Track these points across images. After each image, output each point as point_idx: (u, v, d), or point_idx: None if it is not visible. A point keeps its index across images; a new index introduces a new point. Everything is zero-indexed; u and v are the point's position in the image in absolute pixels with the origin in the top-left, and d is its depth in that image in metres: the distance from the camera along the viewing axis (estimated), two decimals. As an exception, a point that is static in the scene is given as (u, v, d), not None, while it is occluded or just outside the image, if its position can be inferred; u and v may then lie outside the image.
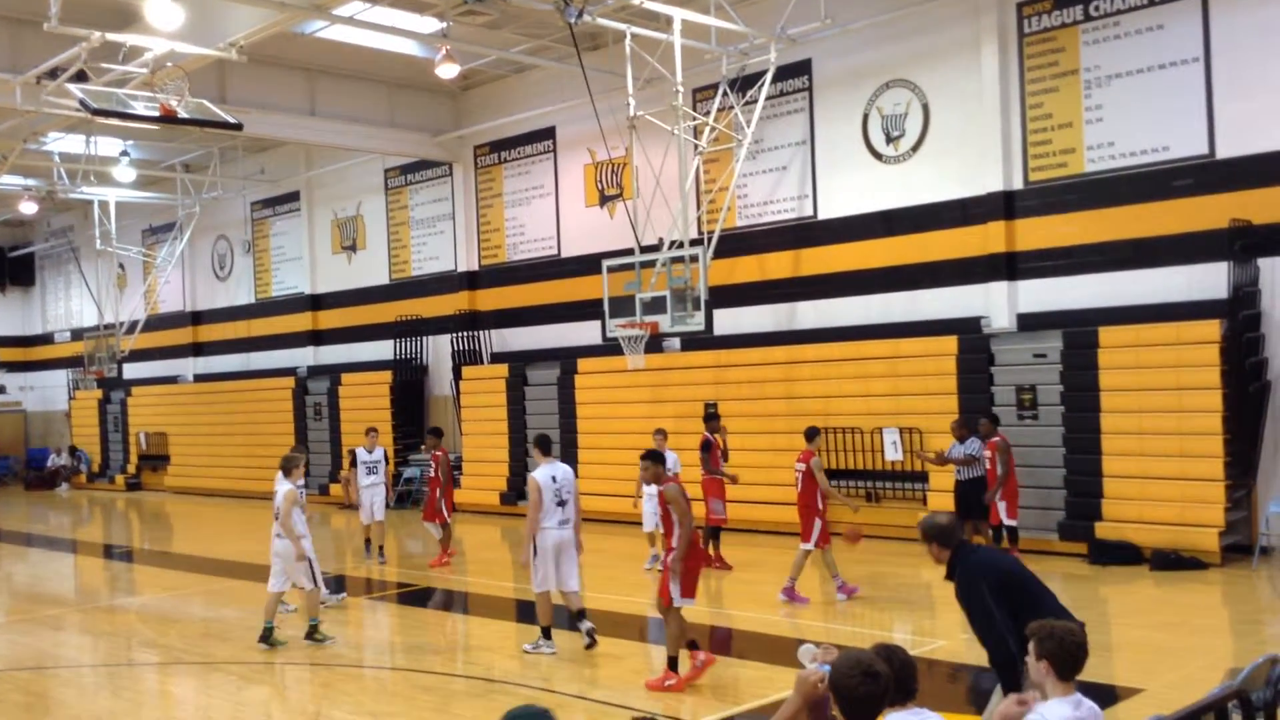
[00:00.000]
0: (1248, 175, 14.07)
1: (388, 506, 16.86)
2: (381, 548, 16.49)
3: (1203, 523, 13.58)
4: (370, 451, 16.57)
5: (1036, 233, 15.99)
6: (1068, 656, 4.61)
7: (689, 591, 9.25)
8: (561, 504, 10.43)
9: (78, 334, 34.70)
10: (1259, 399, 13.89)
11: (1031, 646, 4.70)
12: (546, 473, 10.51)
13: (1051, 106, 15.78)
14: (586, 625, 10.62)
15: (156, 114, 15.18)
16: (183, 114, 15.36)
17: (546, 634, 10.56)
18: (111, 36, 15.39)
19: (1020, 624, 5.26)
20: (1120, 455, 14.53)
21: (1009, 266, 16.18)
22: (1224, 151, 14.31)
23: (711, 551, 14.61)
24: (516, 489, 21.52)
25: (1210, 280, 14.16)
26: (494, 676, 9.90)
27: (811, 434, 13.02)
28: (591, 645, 10.49)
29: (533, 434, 21.44)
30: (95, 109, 14.89)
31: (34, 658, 11.62)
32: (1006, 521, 13.65)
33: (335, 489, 23.87)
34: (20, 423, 38.78)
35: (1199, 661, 9.11)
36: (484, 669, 10.31)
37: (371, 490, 16.32)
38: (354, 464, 16.70)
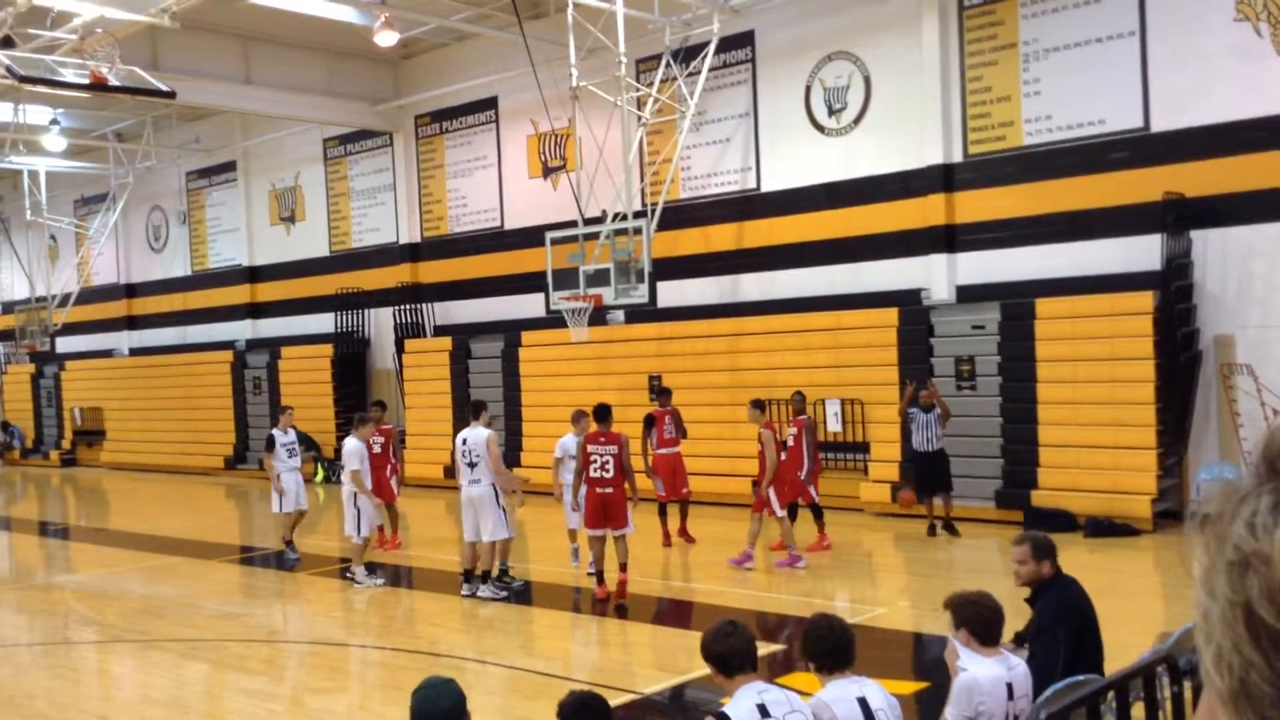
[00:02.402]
0: (1181, 148, 14.31)
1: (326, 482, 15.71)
2: (291, 541, 14.49)
3: (1135, 490, 13.88)
4: (286, 433, 14.86)
5: (975, 205, 16.16)
6: (984, 623, 4.76)
7: (586, 522, 11.29)
8: (471, 465, 11.56)
9: (8, 307, 33.84)
10: (1190, 369, 14.20)
11: (949, 618, 4.84)
12: (459, 436, 11.82)
13: (991, 80, 15.92)
14: (483, 589, 11.64)
15: (87, 81, 14.85)
16: (114, 81, 15.05)
17: (467, 577, 11.74)
18: (39, 1, 14.96)
19: (1079, 665, 5.35)
20: (1056, 425, 14.79)
21: (948, 239, 16.35)
22: (1158, 125, 14.55)
23: (663, 527, 14.51)
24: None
25: (1144, 252, 14.41)
26: (439, 650, 9.89)
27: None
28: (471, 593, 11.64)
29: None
30: (23, 76, 14.53)
31: (-34, 638, 11.41)
32: (804, 501, 13.39)
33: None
34: (-51, 398, 37.85)
35: (1131, 626, 9.32)
36: (429, 642, 10.30)
37: (295, 475, 14.62)
38: (270, 447, 14.70)
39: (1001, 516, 14.72)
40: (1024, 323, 15.15)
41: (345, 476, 12.81)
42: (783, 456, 12.61)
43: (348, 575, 12.95)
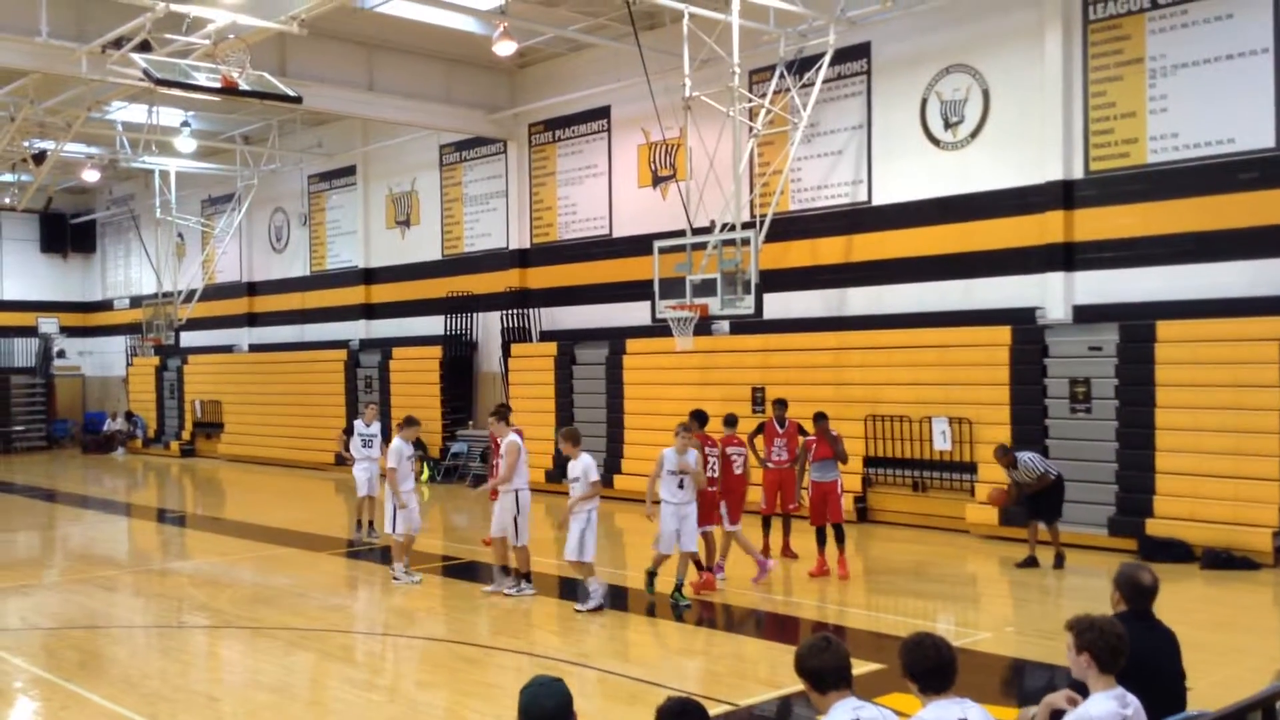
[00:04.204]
0: (1316, 169, 13.75)
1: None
2: (371, 523, 16.25)
3: (1256, 523, 13.36)
4: (368, 425, 16.38)
5: (1096, 223, 15.74)
6: (1109, 649, 4.58)
7: (701, 520, 12.09)
8: (681, 486, 11.85)
9: (136, 301, 35.30)
10: (1320, 398, 13.61)
11: (1070, 640, 4.67)
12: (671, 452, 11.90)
13: (1115, 95, 15.50)
14: (683, 603, 11.73)
15: (218, 85, 15.37)
16: (243, 86, 15.55)
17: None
18: (175, 7, 15.59)
19: None
20: (1174, 452, 14.31)
21: (1066, 257, 15.95)
22: (1292, 145, 14.00)
23: (764, 539, 14.36)
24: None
25: (1273, 276, 13.88)
26: (535, 651, 9.98)
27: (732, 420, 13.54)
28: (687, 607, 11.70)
29: (580, 412, 21.53)
30: (158, 79, 15.11)
31: (88, 617, 11.90)
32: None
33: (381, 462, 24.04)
34: (79, 387, 39.54)
35: (1247, 662, 8.98)
36: (526, 643, 10.40)
37: (368, 465, 16.14)
38: (348, 432, 16.73)
39: (1115, 545, 14.28)
40: (1144, 345, 14.70)
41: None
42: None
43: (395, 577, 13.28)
